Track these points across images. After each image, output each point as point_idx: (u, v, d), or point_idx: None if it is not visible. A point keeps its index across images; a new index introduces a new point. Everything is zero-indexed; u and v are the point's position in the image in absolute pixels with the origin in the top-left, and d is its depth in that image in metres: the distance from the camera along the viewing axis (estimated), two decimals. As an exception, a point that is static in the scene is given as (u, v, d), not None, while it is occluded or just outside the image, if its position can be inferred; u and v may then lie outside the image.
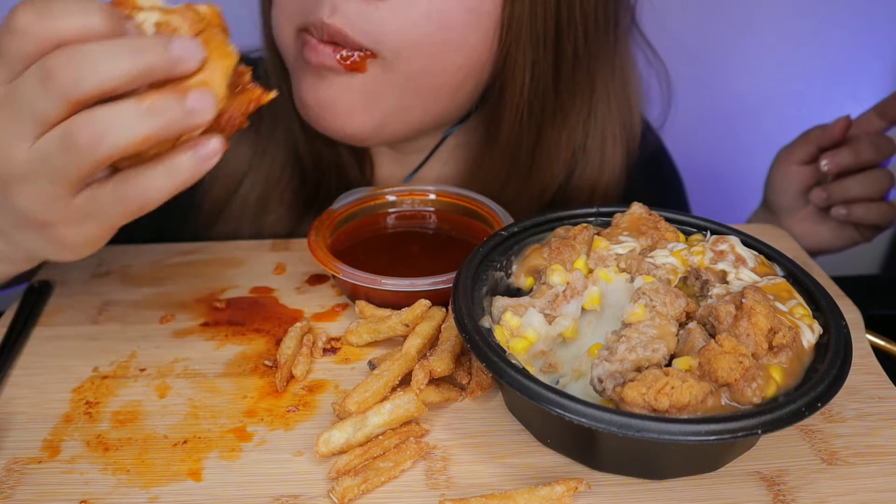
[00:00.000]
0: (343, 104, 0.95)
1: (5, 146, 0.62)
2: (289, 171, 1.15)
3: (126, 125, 0.59)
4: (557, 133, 1.06)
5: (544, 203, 1.13)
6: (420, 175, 1.17)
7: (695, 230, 0.83)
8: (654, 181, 1.31)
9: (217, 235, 1.16)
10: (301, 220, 1.16)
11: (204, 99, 0.61)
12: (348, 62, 0.91)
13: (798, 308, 0.70)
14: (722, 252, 0.76)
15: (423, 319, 0.80)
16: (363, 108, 0.96)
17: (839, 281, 0.96)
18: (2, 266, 0.75)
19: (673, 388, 0.61)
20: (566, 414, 0.60)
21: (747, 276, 0.74)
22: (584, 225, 0.81)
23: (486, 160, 1.10)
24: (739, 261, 0.75)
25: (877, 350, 0.87)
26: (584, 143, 1.09)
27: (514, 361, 0.65)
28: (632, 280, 0.77)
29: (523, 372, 0.64)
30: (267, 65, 1.10)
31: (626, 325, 0.70)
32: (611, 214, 0.85)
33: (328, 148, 1.12)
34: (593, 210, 0.86)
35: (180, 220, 1.19)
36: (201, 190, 1.18)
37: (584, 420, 0.60)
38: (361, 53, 0.91)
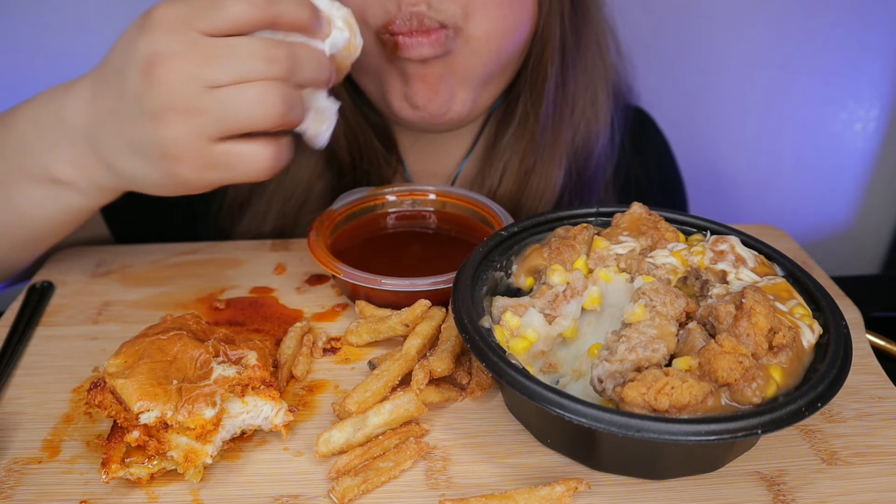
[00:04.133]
0: (446, 84, 1.03)
1: (196, 80, 0.70)
2: (326, 177, 1.18)
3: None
4: (577, 79, 1.14)
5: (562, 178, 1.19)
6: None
7: (695, 230, 0.83)
8: (640, 146, 1.34)
9: (240, 235, 1.18)
10: None
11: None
12: (438, 37, 0.98)
13: (798, 308, 0.70)
14: (722, 252, 0.76)
15: (423, 319, 0.80)
16: (460, 84, 1.04)
17: (839, 281, 0.96)
18: (73, 198, 0.83)
19: (673, 388, 0.61)
20: (566, 414, 0.60)
21: (747, 276, 0.74)
22: (584, 225, 0.81)
23: (516, 139, 1.16)
24: (739, 261, 0.75)
25: (877, 350, 0.87)
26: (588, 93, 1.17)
27: (514, 361, 0.65)
28: (632, 280, 0.77)
29: (523, 372, 0.64)
30: None
31: (626, 325, 0.70)
32: (611, 214, 0.85)
33: (366, 143, 1.18)
34: (593, 210, 0.86)
35: (195, 219, 1.21)
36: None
37: (584, 420, 0.60)
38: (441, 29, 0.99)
